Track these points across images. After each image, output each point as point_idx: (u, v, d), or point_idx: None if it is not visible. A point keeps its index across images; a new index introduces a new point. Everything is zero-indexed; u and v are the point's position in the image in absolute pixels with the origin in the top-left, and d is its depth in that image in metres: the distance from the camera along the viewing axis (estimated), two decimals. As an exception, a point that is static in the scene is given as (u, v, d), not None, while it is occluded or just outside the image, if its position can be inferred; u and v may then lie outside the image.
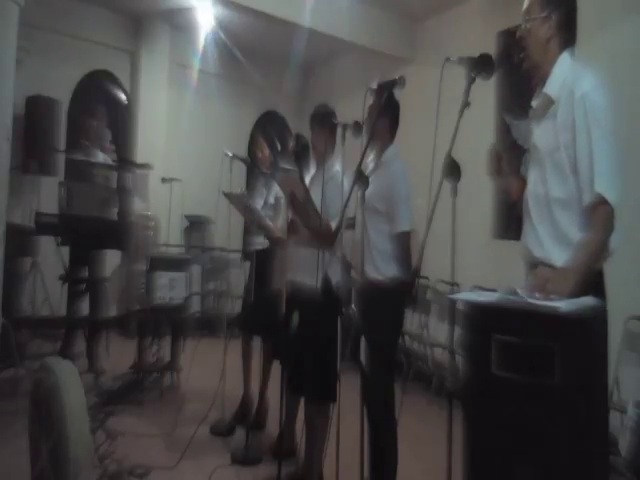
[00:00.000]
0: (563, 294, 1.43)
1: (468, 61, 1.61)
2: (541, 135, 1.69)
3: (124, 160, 5.42)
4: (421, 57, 5.96)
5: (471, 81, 1.59)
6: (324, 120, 2.77)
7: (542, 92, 1.64)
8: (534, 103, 1.76)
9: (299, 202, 2.59)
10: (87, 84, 6.46)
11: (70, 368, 2.07)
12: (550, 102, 1.61)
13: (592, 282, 1.53)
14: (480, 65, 1.59)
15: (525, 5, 1.68)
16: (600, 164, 1.53)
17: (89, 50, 6.33)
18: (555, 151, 1.62)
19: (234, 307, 6.16)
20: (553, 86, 1.60)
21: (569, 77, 1.59)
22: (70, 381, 2.03)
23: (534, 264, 1.71)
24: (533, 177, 1.73)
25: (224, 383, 3.47)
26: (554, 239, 1.64)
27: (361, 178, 2.22)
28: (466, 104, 1.56)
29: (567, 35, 1.63)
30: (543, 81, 1.66)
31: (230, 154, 3.70)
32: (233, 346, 3.65)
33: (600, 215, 1.54)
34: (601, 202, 1.54)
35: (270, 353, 3.44)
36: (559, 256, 1.61)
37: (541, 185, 1.68)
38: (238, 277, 4.59)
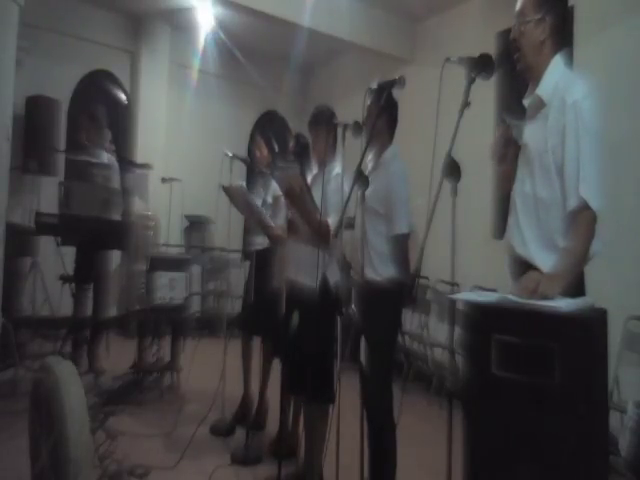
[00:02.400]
0: (554, 297, 1.46)
1: (468, 61, 1.61)
2: (532, 135, 1.70)
3: (124, 160, 5.33)
4: (421, 57, 5.95)
5: (471, 81, 1.60)
6: (324, 121, 2.77)
7: (535, 93, 1.64)
8: (526, 102, 1.76)
9: (297, 196, 2.58)
10: (87, 84, 6.45)
11: (70, 368, 2.07)
12: (542, 104, 1.62)
13: (576, 284, 1.56)
14: (480, 65, 1.60)
15: (518, 7, 1.67)
16: (586, 170, 1.55)
17: (89, 50, 6.33)
18: (544, 153, 1.63)
19: (234, 307, 6.16)
20: (545, 88, 1.61)
21: (561, 82, 1.61)
22: (70, 381, 2.02)
23: (517, 261, 1.74)
24: (521, 175, 1.74)
25: (224, 383, 3.46)
26: (539, 242, 1.66)
27: (361, 178, 2.22)
28: (466, 104, 1.56)
29: (560, 37, 1.65)
30: (536, 81, 1.66)
31: (230, 154, 3.71)
32: (233, 346, 3.64)
33: (584, 220, 1.57)
34: (585, 207, 1.56)
35: (270, 353, 3.44)
36: (543, 259, 1.63)
37: (529, 184, 1.69)
38: (238, 277, 4.59)
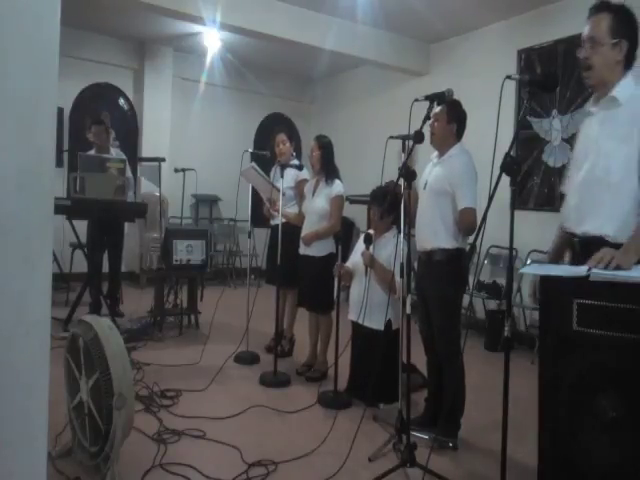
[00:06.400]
0: (627, 268, 1.40)
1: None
2: (602, 124, 1.65)
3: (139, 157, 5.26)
4: (436, 70, 5.19)
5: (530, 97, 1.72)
6: (382, 199, 2.67)
7: (610, 95, 1.62)
8: (590, 105, 1.72)
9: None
10: (89, 94, 5.77)
11: (108, 323, 2.05)
12: (617, 104, 1.61)
13: None
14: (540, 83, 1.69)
15: (590, 31, 1.63)
16: None
17: (90, 67, 5.67)
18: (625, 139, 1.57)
19: (242, 263, 6.26)
20: (623, 94, 1.60)
21: (637, 93, 1.62)
22: (110, 333, 2.01)
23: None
24: (589, 162, 1.66)
25: (248, 321, 3.36)
26: (613, 219, 1.58)
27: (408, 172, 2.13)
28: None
29: (632, 59, 1.64)
30: (604, 91, 1.65)
31: (250, 150, 3.72)
32: (240, 292, 3.62)
33: None
34: None
35: (296, 300, 3.35)
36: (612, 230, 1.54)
37: (601, 169, 1.61)
38: (246, 241, 4.46)
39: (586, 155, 1.65)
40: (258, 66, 6.40)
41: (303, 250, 3.15)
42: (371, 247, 2.56)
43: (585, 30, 1.65)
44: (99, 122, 4.31)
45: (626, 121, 1.56)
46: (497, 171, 1.54)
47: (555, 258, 1.81)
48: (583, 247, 1.61)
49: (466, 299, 2.50)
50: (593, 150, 1.62)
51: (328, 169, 3.12)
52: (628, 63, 1.64)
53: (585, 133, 1.70)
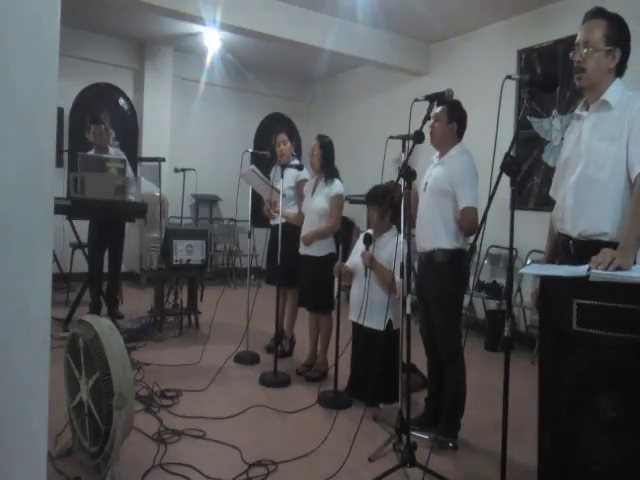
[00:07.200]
0: (627, 268, 1.41)
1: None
2: (592, 127, 1.68)
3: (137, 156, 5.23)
4: (436, 70, 5.19)
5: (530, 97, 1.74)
6: (380, 199, 2.65)
7: (602, 99, 1.66)
8: (579, 109, 1.75)
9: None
10: (89, 94, 5.73)
11: (108, 323, 1.95)
12: (609, 107, 1.65)
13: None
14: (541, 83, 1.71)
15: (584, 36, 1.66)
16: None
17: (90, 67, 5.63)
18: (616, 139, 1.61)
19: (242, 263, 6.26)
20: (612, 98, 1.64)
21: (625, 96, 1.65)
22: (110, 333, 2.02)
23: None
24: (582, 163, 1.68)
25: (248, 321, 3.34)
26: (608, 215, 1.59)
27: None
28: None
29: (622, 68, 1.68)
30: (594, 95, 1.67)
31: (250, 150, 3.69)
32: (240, 292, 3.65)
33: None
34: None
35: (297, 300, 3.32)
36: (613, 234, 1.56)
37: (594, 169, 1.63)
38: (246, 241, 4.48)
39: (579, 156, 1.66)
40: (258, 66, 6.39)
41: (303, 250, 3.14)
42: (371, 247, 2.56)
43: (580, 34, 1.67)
44: (98, 122, 4.29)
45: (616, 122, 1.59)
46: (497, 171, 1.55)
47: (552, 259, 1.83)
48: (579, 249, 1.62)
49: (466, 299, 2.49)
50: (585, 151, 1.64)
51: (328, 169, 3.11)
52: (619, 71, 1.67)
53: (575, 137, 1.72)
